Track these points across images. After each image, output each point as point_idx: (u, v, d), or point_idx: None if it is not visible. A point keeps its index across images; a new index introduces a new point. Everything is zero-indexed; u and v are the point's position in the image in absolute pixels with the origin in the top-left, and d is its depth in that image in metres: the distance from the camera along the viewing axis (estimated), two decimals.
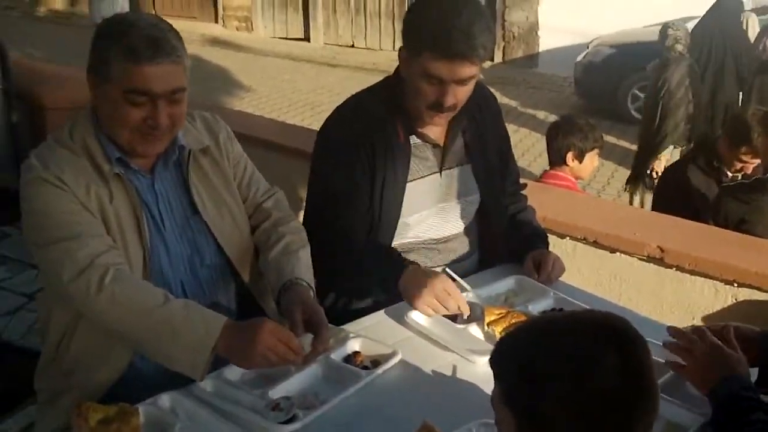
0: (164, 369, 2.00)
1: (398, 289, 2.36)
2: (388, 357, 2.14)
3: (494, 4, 13.68)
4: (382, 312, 2.42)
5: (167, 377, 1.99)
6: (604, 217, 3.63)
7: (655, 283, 3.28)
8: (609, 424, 1.21)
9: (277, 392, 1.96)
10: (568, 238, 3.48)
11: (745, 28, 8.16)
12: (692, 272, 3.19)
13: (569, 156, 4.29)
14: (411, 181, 2.53)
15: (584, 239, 3.44)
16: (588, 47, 11.08)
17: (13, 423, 2.99)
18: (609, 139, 8.03)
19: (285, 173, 3.73)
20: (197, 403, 1.94)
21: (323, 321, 2.12)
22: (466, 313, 2.32)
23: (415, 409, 1.90)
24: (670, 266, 3.24)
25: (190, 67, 2.11)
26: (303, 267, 2.27)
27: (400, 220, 2.53)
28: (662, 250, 3.23)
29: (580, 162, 4.30)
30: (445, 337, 2.25)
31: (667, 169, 4.99)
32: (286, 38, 15.83)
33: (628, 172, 6.97)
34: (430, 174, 2.57)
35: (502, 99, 11.50)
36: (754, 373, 1.98)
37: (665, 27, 6.47)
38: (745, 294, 3.09)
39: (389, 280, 2.39)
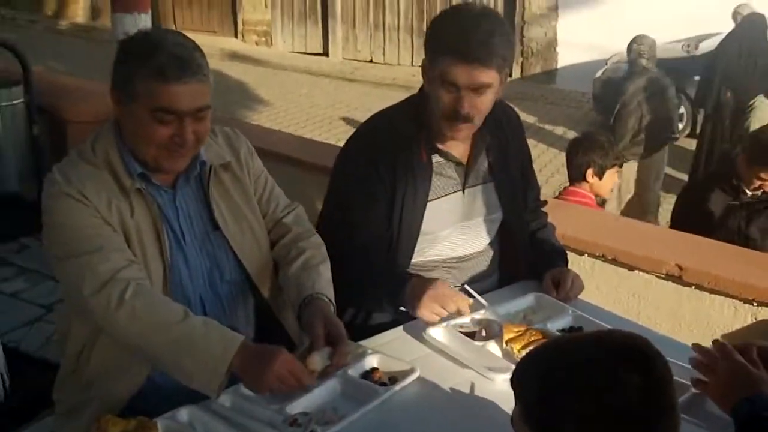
0: (181, 383, 2.01)
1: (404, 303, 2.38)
2: (406, 373, 2.13)
3: (513, 19, 13.68)
4: (400, 328, 2.42)
5: (186, 391, 2.00)
6: (623, 234, 3.62)
7: (674, 301, 3.27)
8: None
9: (295, 408, 1.97)
10: (586, 255, 3.47)
11: None
12: (711, 290, 3.18)
13: (589, 173, 4.28)
14: (433, 199, 2.53)
15: (603, 257, 3.43)
16: (606, 63, 11.06)
17: None
18: None
19: (302, 188, 3.75)
20: (215, 418, 1.94)
21: (343, 335, 2.13)
22: (467, 313, 2.35)
23: (432, 427, 1.90)
24: (689, 284, 3.22)
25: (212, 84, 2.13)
26: (323, 282, 2.28)
27: (422, 237, 2.53)
28: (681, 268, 3.22)
29: (600, 179, 4.29)
30: (463, 354, 2.24)
31: (685, 188, 4.97)
32: (304, 53, 15.88)
33: None
34: (454, 192, 2.57)
35: (520, 114, 11.49)
36: None
37: (631, 41, 6.53)
38: (765, 313, 3.08)
39: (395, 296, 2.40)
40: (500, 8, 13.36)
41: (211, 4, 16.93)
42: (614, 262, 3.41)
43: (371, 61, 15.11)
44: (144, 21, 4.95)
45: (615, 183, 4.43)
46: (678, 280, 3.25)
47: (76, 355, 2.18)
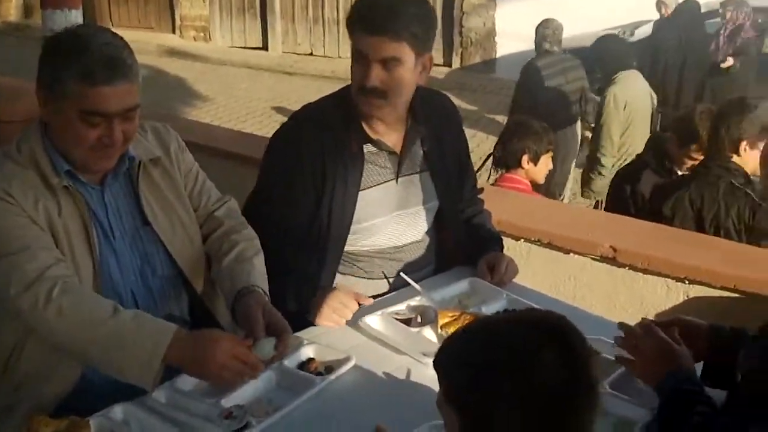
0: (116, 380, 1.99)
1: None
2: (341, 362, 2.14)
3: (452, 10, 13.77)
4: None
5: (120, 388, 1.98)
6: (558, 219, 3.67)
7: (609, 282, 3.32)
8: (549, 418, 1.23)
9: (230, 401, 1.96)
10: (522, 240, 3.50)
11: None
12: (645, 271, 3.24)
13: (524, 159, 4.32)
14: (365, 189, 2.53)
15: (538, 241, 3.47)
16: None
17: None
18: None
19: (241, 182, 3.70)
20: (150, 414, 1.93)
21: (287, 326, 2.13)
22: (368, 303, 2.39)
23: (369, 414, 1.91)
24: (622, 265, 3.28)
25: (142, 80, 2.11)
26: (257, 274, 2.27)
27: (356, 227, 2.53)
28: (615, 250, 3.27)
29: (535, 165, 4.34)
30: (399, 341, 2.26)
31: (618, 172, 5.05)
32: (244, 47, 15.77)
33: None
34: (387, 181, 2.57)
35: (460, 104, 11.48)
36: (699, 368, 2.02)
37: (539, 25, 6.66)
38: (697, 291, 3.14)
39: (303, 304, 2.42)
40: None
41: (148, 0, 16.71)
42: (550, 246, 3.45)
43: (311, 54, 15.05)
44: (75, 17, 4.85)
45: (549, 168, 4.47)
46: (612, 261, 3.30)
47: (6, 357, 2.14)
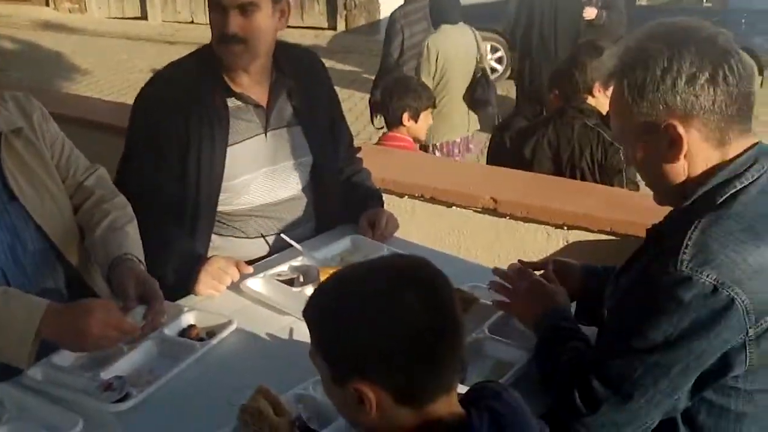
0: None
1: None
2: (223, 326, 2.13)
3: None
4: None
5: None
6: (440, 173, 3.72)
7: (491, 232, 3.39)
8: (413, 361, 1.24)
9: (110, 373, 1.92)
10: (407, 196, 3.55)
11: None
12: (525, 219, 3.32)
13: (405, 117, 4.36)
14: (233, 144, 2.50)
15: (422, 196, 3.51)
16: None
17: None
18: None
19: (116, 154, 3.62)
20: (27, 393, 1.88)
21: (157, 292, 2.09)
22: (248, 271, 2.37)
23: (251, 375, 1.89)
24: (503, 215, 3.35)
25: None
26: (130, 242, 2.22)
27: (228, 184, 2.51)
28: (495, 201, 3.34)
29: (416, 122, 4.38)
30: (281, 302, 2.26)
31: (497, 125, 5.13)
32: (122, 18, 15.33)
33: None
34: (255, 135, 2.54)
35: (346, 67, 11.55)
36: (574, 307, 2.09)
37: None
38: (576, 236, 3.24)
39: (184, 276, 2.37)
40: None
41: None
42: (433, 200, 3.50)
43: (192, 23, 14.75)
44: None
45: (429, 124, 4.52)
46: (493, 212, 3.37)
47: None
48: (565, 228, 3.25)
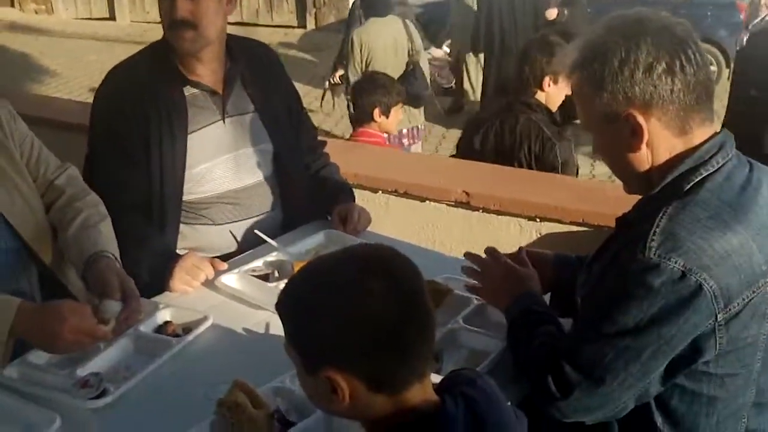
0: None
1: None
2: (199, 322, 2.13)
3: None
4: None
5: None
6: (413, 168, 3.74)
7: (465, 225, 3.41)
8: (380, 349, 1.24)
9: (86, 370, 1.92)
10: (380, 192, 3.56)
11: None
12: (498, 212, 3.34)
13: (376, 112, 4.38)
14: (193, 132, 2.52)
15: (395, 191, 3.53)
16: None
17: None
18: None
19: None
20: (2, 392, 1.87)
21: (134, 290, 2.08)
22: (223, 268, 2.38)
23: (227, 370, 1.89)
24: (476, 209, 3.38)
25: None
26: (105, 239, 2.22)
27: (190, 173, 2.53)
28: (468, 194, 3.36)
29: (387, 117, 4.40)
30: (257, 297, 2.26)
31: (469, 120, 5.16)
32: (90, 18, 15.21)
33: None
34: (213, 122, 2.57)
35: (316, 65, 11.55)
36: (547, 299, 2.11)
37: None
38: (548, 227, 3.27)
39: (157, 270, 2.38)
40: None
41: None
42: (406, 195, 3.51)
43: (161, 23, 14.64)
44: None
45: (399, 119, 4.55)
46: (466, 205, 3.39)
47: None
48: (538, 220, 3.28)
